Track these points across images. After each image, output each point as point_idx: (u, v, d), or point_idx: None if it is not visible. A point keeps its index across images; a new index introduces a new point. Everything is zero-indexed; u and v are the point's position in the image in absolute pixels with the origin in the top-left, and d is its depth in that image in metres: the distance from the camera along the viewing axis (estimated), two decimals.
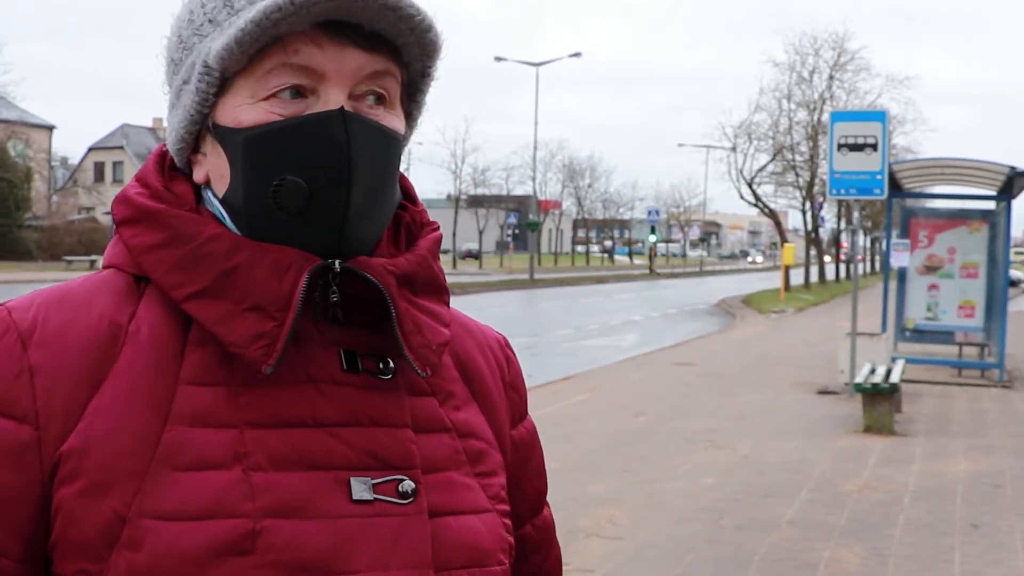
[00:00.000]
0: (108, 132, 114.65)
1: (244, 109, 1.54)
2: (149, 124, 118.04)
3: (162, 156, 1.68)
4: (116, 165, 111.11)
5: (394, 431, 1.56)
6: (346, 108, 1.52)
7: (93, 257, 67.91)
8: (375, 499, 1.51)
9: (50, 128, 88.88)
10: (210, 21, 1.56)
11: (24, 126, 77.18)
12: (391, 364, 1.59)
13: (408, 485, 1.53)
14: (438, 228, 1.72)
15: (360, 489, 1.50)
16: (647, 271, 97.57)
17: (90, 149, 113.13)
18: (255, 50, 1.51)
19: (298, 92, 1.54)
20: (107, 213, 76.23)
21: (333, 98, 1.53)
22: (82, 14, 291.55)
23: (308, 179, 1.50)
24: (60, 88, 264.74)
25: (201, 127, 1.60)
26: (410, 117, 1.69)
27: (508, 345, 1.89)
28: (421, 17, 1.54)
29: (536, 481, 1.87)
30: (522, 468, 1.81)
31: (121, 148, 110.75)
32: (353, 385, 1.56)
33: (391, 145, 1.58)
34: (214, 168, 1.60)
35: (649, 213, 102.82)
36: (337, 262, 1.53)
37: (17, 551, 1.48)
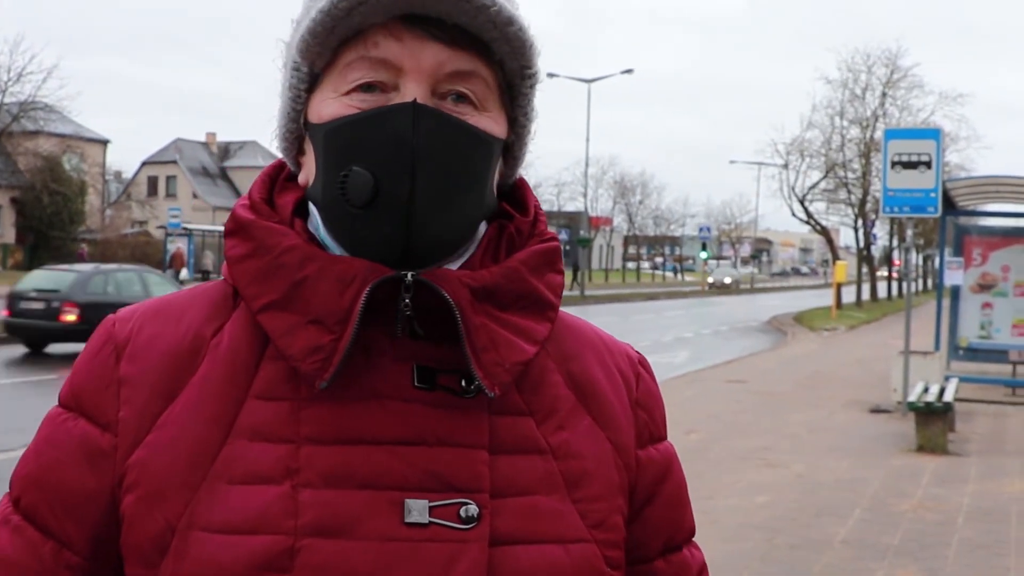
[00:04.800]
0: (161, 147, 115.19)
1: (327, 104, 1.54)
2: (202, 139, 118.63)
3: (277, 168, 1.69)
4: (169, 179, 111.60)
5: (464, 452, 1.50)
6: (421, 101, 1.49)
7: None
8: (431, 522, 1.46)
9: (104, 142, 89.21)
10: (308, 14, 1.55)
11: (79, 140, 77.52)
12: (475, 382, 1.52)
13: (471, 509, 1.47)
14: (552, 239, 1.65)
15: (414, 511, 1.46)
16: (701, 288, 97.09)
17: (143, 163, 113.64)
18: (336, 43, 1.52)
19: (379, 87, 1.52)
20: (160, 227, 76.78)
21: (411, 92, 1.50)
22: (136, 28, 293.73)
23: (374, 171, 1.48)
24: (114, 102, 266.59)
25: (298, 125, 1.62)
26: (515, 122, 1.65)
27: (643, 363, 1.79)
28: (497, 8, 1.50)
29: (669, 512, 1.74)
30: (651, 493, 1.70)
31: (174, 163, 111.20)
32: (423, 402, 1.51)
33: (472, 143, 1.53)
34: (309, 166, 1.60)
35: (700, 230, 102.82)
36: (409, 274, 1.50)
37: (84, 548, 1.54)
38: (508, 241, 1.63)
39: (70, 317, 25.03)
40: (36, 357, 25.40)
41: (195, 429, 1.50)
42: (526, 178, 1.74)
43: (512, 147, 1.66)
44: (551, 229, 1.68)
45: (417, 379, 1.53)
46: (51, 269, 29.52)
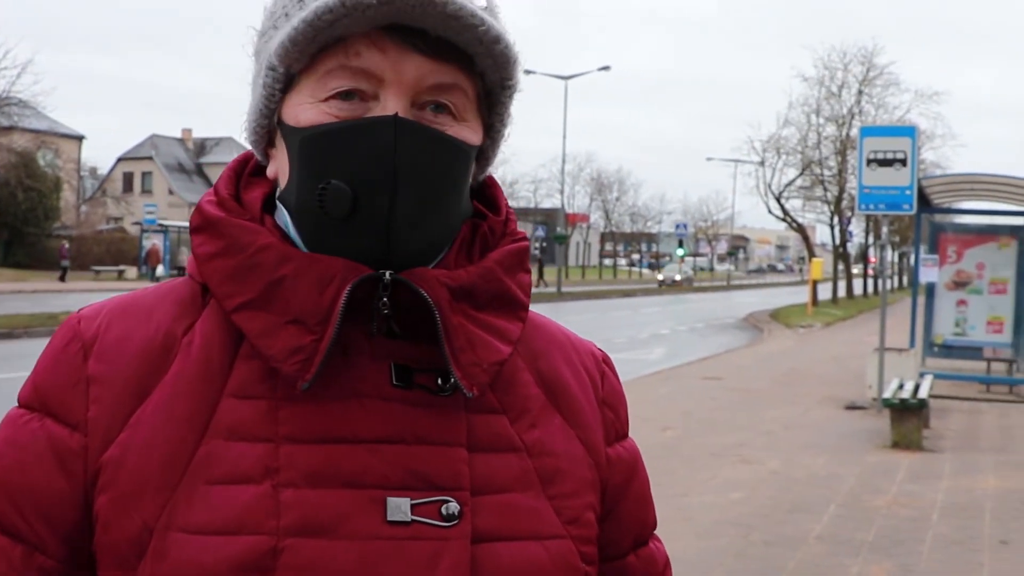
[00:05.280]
0: (137, 142, 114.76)
1: (304, 108, 1.52)
2: (178, 135, 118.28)
3: (242, 163, 1.67)
4: (145, 175, 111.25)
5: (443, 450, 1.50)
6: (402, 115, 1.48)
7: (121, 267, 68.04)
8: (413, 521, 1.46)
9: (80, 138, 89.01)
10: (286, 15, 1.53)
11: (54, 136, 77.07)
12: (452, 380, 1.52)
13: (452, 507, 1.47)
14: (523, 239, 1.64)
15: (396, 509, 1.45)
16: (671, 285, 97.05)
17: (119, 159, 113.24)
18: (316, 49, 1.49)
19: (359, 96, 1.50)
20: (136, 223, 76.58)
21: (391, 104, 1.48)
22: (112, 24, 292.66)
23: (353, 184, 1.46)
24: (89, 98, 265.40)
25: (271, 121, 1.59)
26: (491, 128, 1.64)
27: (607, 361, 1.80)
28: (486, 28, 1.48)
29: (638, 508, 1.77)
30: (621, 490, 1.72)
31: (150, 159, 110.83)
32: (402, 401, 1.51)
33: (451, 154, 1.52)
34: (281, 164, 1.58)
35: (677, 227, 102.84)
36: (388, 273, 1.49)
37: (59, 552, 1.51)
38: (482, 241, 1.63)
39: None
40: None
41: (170, 428, 1.47)
42: (503, 175, 1.74)
43: (485, 150, 1.65)
44: (528, 225, 1.68)
45: (395, 378, 1.52)
46: None
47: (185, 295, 1.59)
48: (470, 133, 1.56)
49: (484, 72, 1.56)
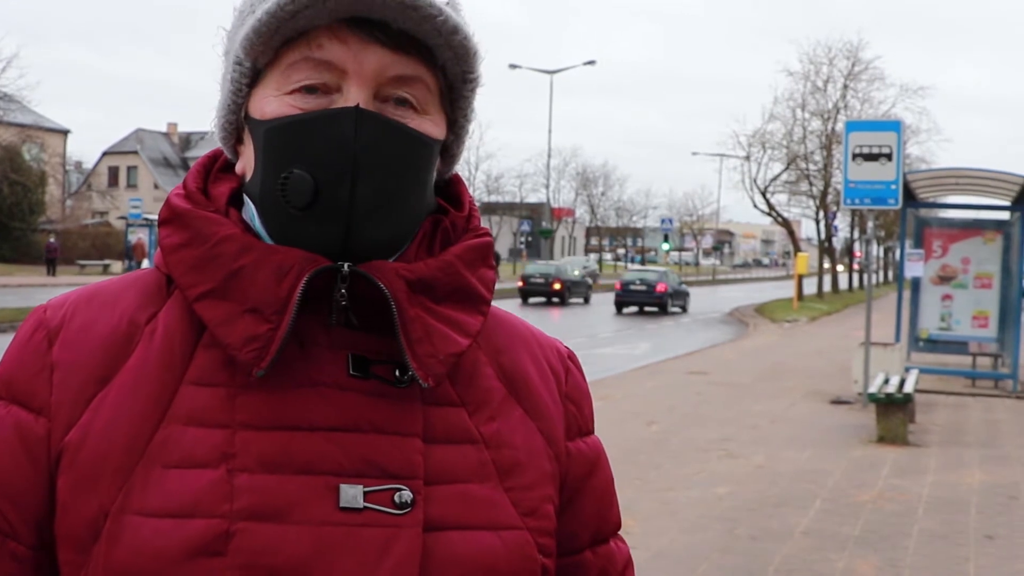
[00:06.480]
0: (122, 136, 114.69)
1: (269, 101, 1.55)
2: (164, 129, 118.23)
3: (211, 159, 1.70)
4: (130, 170, 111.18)
5: (398, 439, 1.52)
6: (364, 106, 1.50)
7: (106, 261, 67.87)
8: (365, 508, 1.47)
9: (65, 132, 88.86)
10: (252, 11, 1.56)
11: (39, 130, 76.82)
12: (409, 372, 1.54)
13: (405, 495, 1.49)
14: (485, 234, 1.67)
15: (349, 496, 1.47)
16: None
17: (104, 153, 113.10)
18: (280, 42, 1.52)
19: (322, 90, 1.53)
20: (121, 218, 76.36)
21: (353, 96, 1.51)
22: (98, 18, 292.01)
23: (314, 174, 1.49)
24: (75, 92, 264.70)
25: (238, 117, 1.62)
26: (455, 124, 1.66)
27: (571, 357, 1.82)
28: (444, 18, 1.52)
29: (597, 504, 1.76)
30: (580, 484, 1.72)
31: (135, 153, 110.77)
32: (358, 391, 1.53)
33: (413, 146, 1.55)
34: (248, 158, 1.61)
35: (662, 222, 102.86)
36: (346, 265, 1.52)
37: (30, 538, 1.52)
38: (443, 235, 1.65)
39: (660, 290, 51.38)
40: None
41: (129, 413, 1.49)
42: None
43: (450, 146, 1.68)
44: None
45: (351, 368, 1.54)
46: (639, 270, 53.11)
47: (150, 285, 1.61)
48: (432, 127, 1.59)
49: (445, 65, 1.59)
